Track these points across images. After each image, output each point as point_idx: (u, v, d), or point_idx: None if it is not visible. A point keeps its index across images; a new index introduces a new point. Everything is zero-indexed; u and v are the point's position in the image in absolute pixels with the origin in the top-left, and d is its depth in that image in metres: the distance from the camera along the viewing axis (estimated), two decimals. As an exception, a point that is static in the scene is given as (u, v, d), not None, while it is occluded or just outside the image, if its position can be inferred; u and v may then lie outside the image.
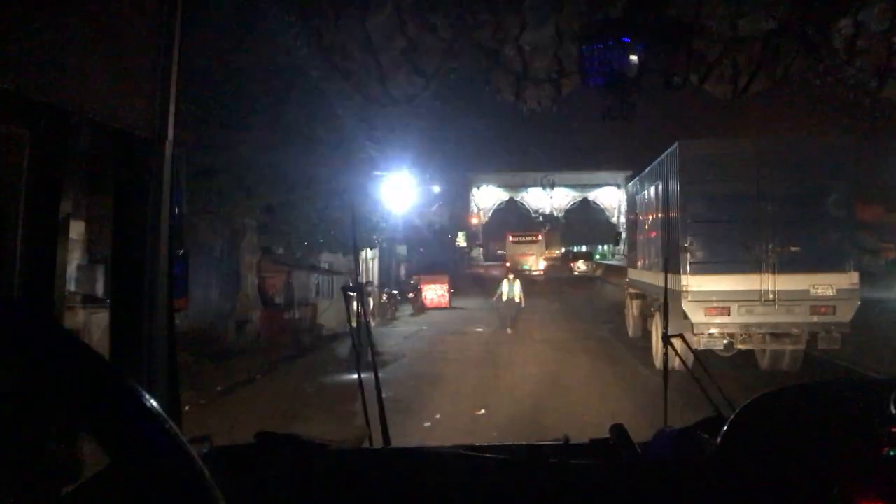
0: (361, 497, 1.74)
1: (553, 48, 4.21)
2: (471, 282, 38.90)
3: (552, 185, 68.22)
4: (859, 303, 11.81)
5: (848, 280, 11.62)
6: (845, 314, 11.60)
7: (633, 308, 16.62)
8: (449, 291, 30.87)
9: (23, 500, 1.03)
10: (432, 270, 34.23)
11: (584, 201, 70.25)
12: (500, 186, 70.27)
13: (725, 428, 1.80)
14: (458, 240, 54.85)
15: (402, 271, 35.37)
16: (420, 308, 28.89)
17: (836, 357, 12.32)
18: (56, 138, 1.45)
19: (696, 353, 2.68)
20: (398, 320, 25.90)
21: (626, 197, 31.59)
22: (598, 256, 68.04)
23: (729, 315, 11.63)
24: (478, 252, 65.10)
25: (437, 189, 37.84)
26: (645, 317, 15.25)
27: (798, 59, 4.42)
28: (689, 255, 11.73)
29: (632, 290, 16.92)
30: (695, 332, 11.39)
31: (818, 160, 11.92)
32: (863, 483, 1.59)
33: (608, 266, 48.26)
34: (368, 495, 1.75)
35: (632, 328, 16.86)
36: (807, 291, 11.49)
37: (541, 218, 69.35)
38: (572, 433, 2.05)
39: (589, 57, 2.77)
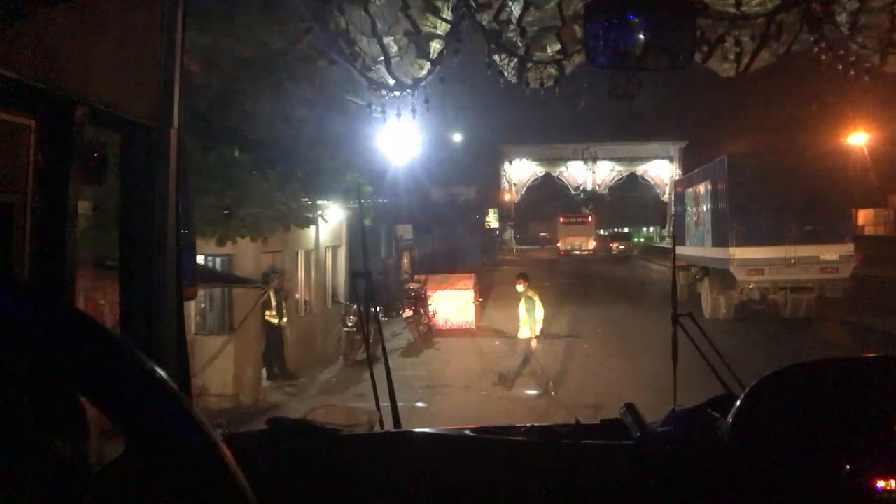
0: (374, 481, 1.75)
1: (555, 29, 4.18)
2: (506, 275, 29.30)
3: (595, 159, 62.15)
4: (854, 264, 17.18)
5: (846, 248, 16.99)
6: (845, 272, 16.88)
7: (679, 278, 19.89)
8: (477, 301, 18.64)
9: (34, 499, 1.03)
10: (450, 264, 25.13)
11: (632, 176, 63.07)
12: (535, 160, 63.42)
13: (737, 406, 1.80)
14: (488, 219, 50.37)
15: (406, 264, 24.38)
16: (424, 335, 16.50)
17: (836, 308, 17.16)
18: (62, 127, 1.44)
19: (704, 332, 2.68)
20: (361, 369, 12.48)
21: (672, 186, 33.97)
22: (640, 238, 63.88)
23: (763, 275, 16.73)
24: (510, 234, 60.17)
25: (457, 138, 29.36)
26: (691, 283, 20.15)
27: (801, 35, 4.38)
28: (735, 234, 16.95)
29: (680, 264, 20.37)
30: (738, 287, 16.92)
31: (823, 166, 17.24)
32: (875, 460, 1.59)
33: (646, 246, 53.18)
34: (381, 479, 1.75)
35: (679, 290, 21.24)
36: (817, 257, 16.63)
37: (582, 195, 63.89)
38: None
39: (594, 35, 2.74)
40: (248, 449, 1.82)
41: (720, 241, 17.64)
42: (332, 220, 15.26)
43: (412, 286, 18.33)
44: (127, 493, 1.50)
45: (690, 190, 22.34)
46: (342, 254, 17.95)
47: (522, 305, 12.59)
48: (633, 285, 28.60)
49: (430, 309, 17.62)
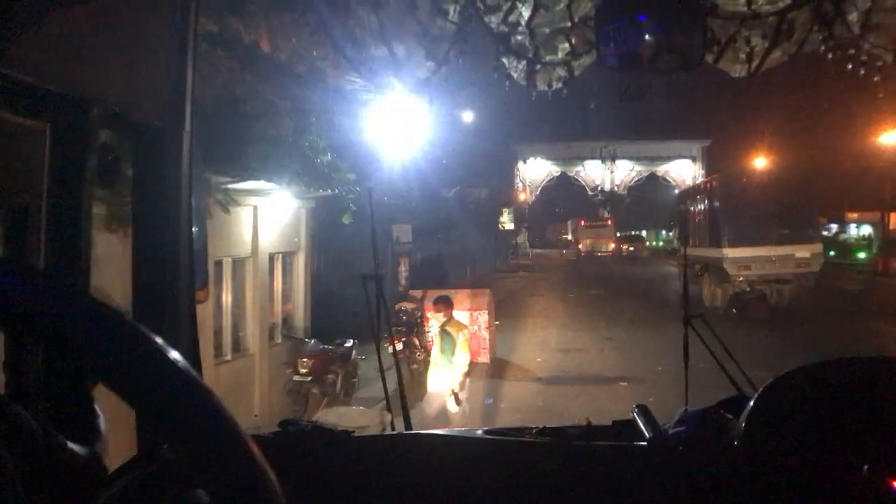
0: (386, 483, 1.75)
1: (565, 31, 4.18)
2: (524, 283, 28.67)
3: (613, 158, 60.07)
4: (823, 259, 21.76)
5: (816, 248, 21.25)
6: (815, 266, 20.97)
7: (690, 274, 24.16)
8: (490, 327, 14.22)
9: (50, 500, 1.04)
10: (458, 271, 23.17)
11: (652, 177, 61.11)
12: (550, 160, 61.09)
13: (750, 407, 1.79)
14: (502, 219, 47.32)
15: (404, 273, 20.90)
16: (419, 375, 11.65)
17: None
18: (76, 130, 1.45)
19: (716, 334, 2.68)
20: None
21: (681, 192, 36.07)
22: (660, 242, 63.17)
23: (751, 269, 20.26)
24: (523, 237, 56.77)
25: (469, 117, 25.28)
26: (693, 278, 23.08)
27: (812, 34, 4.36)
28: (727, 237, 20.78)
29: (683, 263, 24.50)
30: (731, 280, 20.51)
31: (794, 182, 22.19)
32: (892, 461, 1.58)
33: (655, 249, 56.75)
34: (392, 481, 1.76)
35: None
36: (793, 255, 20.47)
37: (599, 196, 61.92)
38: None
39: (604, 37, 2.74)
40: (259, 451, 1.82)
41: (716, 242, 21.53)
42: (283, 213, 11.56)
43: (405, 307, 13.19)
44: (141, 493, 1.51)
45: (691, 200, 27.11)
46: (300, 263, 12.77)
47: (437, 342, 9.03)
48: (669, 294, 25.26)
49: (429, 337, 11.23)
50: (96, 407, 1.50)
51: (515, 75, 4.32)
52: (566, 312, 20.75)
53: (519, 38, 4.28)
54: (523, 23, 4.14)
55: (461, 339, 8.93)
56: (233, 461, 0.62)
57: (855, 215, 52.08)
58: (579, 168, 61.91)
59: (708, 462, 1.76)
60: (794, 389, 1.83)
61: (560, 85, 4.30)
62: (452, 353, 8.78)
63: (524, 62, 4.24)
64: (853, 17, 4.19)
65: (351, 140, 10.99)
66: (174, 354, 0.62)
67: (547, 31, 4.09)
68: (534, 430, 1.97)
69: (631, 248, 57.73)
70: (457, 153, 23.47)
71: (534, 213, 62.73)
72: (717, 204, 22.38)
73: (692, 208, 26.15)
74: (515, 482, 1.75)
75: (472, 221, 31.79)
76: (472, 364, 10.51)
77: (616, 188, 61.73)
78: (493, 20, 4.19)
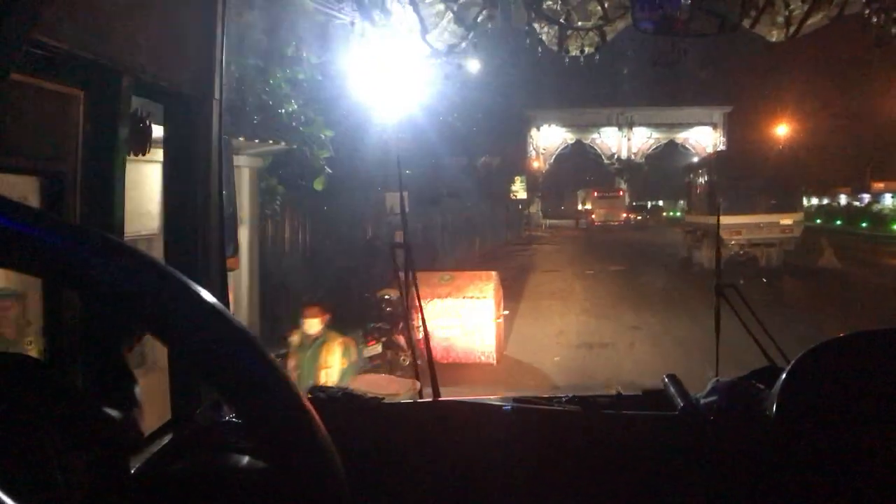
0: (415, 450, 1.76)
1: (597, -6, 4.09)
2: (540, 257, 26.56)
3: (630, 125, 58.42)
4: (804, 225, 24.67)
5: (798, 216, 24.42)
6: (797, 231, 23.97)
7: (688, 239, 27.64)
8: (500, 316, 11.42)
9: (91, 470, 1.06)
10: (465, 245, 21.86)
11: (671, 144, 59.27)
12: (564, 126, 59.31)
13: (782, 378, 1.77)
14: (514, 188, 45.24)
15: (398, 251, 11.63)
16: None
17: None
18: (109, 97, 1.46)
19: (748, 304, 2.64)
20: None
21: (685, 166, 36.67)
22: (677, 212, 61.19)
23: (741, 235, 23.00)
24: (537, 207, 55.10)
25: (476, 66, 19.23)
26: (692, 242, 26.54)
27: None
28: (721, 206, 23.17)
29: (686, 230, 28.75)
30: (724, 244, 22.00)
31: (781, 159, 25.27)
32: None
33: (671, 219, 58.03)
34: (422, 448, 1.77)
35: (684, 249, 28.03)
36: (777, 222, 23.57)
37: (616, 164, 60.35)
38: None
39: (639, 0, 2.68)
40: None
41: (713, 211, 24.72)
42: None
43: (390, 294, 9.74)
44: (176, 456, 1.54)
45: (694, 174, 30.22)
46: (242, 240, 9.19)
47: (316, 354, 6.51)
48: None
49: (419, 332, 6.40)
50: (132, 371, 1.53)
51: (547, 41, 4.25)
52: (585, 294, 18.14)
53: (550, 2, 4.20)
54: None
55: (342, 350, 6.56)
56: (295, 430, 0.63)
57: (881, 185, 51.52)
58: (595, 135, 60.28)
59: (739, 433, 1.75)
60: (828, 361, 1.81)
61: (592, 50, 4.23)
62: (337, 362, 6.50)
63: (556, 27, 4.17)
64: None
65: (329, 88, 9.15)
66: (237, 321, 0.63)
67: (579, -5, 4.01)
68: (563, 399, 1.97)
69: (639, 217, 58.67)
70: (464, 117, 22.25)
71: (548, 181, 61.30)
72: (714, 177, 25.88)
73: (695, 181, 29.56)
74: (544, 450, 1.76)
75: (482, 190, 29.93)
76: (473, 367, 10.09)
77: (633, 156, 60.16)
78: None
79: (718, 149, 46.00)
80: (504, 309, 11.62)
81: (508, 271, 18.48)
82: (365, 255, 13.89)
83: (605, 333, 9.61)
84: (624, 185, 60.56)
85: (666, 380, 1.97)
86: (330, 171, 9.37)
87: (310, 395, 2.00)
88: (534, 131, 57.95)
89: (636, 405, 1.95)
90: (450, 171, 24.22)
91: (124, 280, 0.60)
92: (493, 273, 11.59)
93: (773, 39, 3.90)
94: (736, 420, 1.78)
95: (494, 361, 10.90)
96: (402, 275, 2.48)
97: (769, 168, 24.51)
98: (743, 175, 24.26)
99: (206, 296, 0.62)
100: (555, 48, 4.25)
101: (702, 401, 1.92)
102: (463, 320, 10.60)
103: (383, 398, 2.01)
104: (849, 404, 1.66)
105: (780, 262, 23.83)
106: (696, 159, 43.62)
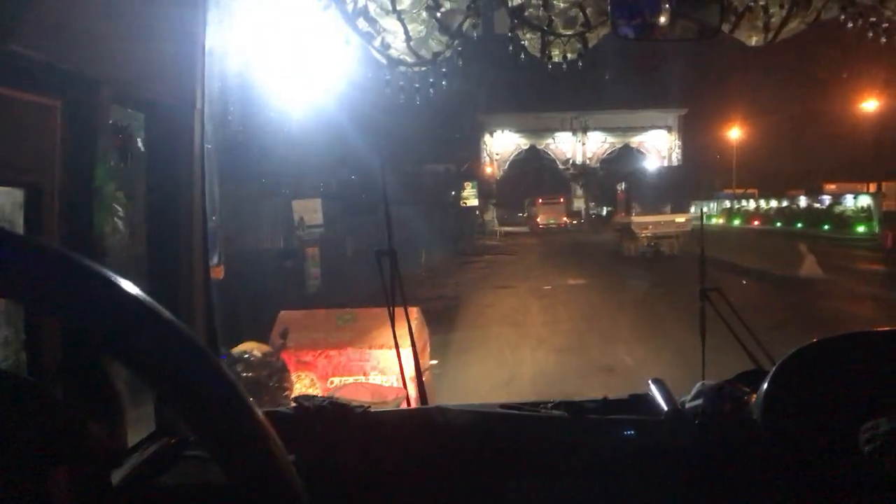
0: (403, 458, 1.75)
1: (579, 1, 4.11)
2: (488, 272, 23.19)
3: (585, 130, 58.31)
4: (694, 221, 31.00)
5: (689, 216, 32.01)
6: (688, 227, 30.50)
7: (616, 236, 35.28)
8: (425, 371, 3.47)
9: (74, 484, 1.04)
10: (403, 257, 7.52)
11: (626, 148, 59.42)
12: (519, 132, 59.72)
13: (767, 380, 1.78)
14: (464, 195, 43.37)
15: (314, 272, 14.59)
16: None
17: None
18: (88, 108, 1.45)
19: (733, 307, 2.65)
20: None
21: (615, 179, 42.15)
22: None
23: (649, 230, 31.03)
24: (492, 214, 53.22)
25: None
26: (618, 238, 34.39)
27: (830, 2, 4.27)
28: (633, 209, 32.40)
29: (615, 228, 36.42)
30: (637, 238, 31.29)
31: (677, 172, 43.29)
32: None
33: (591, 218, 62.83)
34: (409, 456, 1.76)
35: (614, 244, 35.17)
36: (673, 220, 31.14)
37: (571, 169, 60.52)
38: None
39: (619, 6, 2.69)
40: (274, 428, 1.83)
41: (628, 212, 32.82)
42: None
43: (252, 352, 5.00)
44: (159, 467, 1.52)
45: (619, 185, 37.83)
46: None
47: None
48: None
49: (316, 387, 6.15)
50: (116, 384, 1.51)
51: (529, 48, 4.26)
52: (543, 318, 14.07)
53: (532, 9, 4.21)
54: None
55: None
56: (248, 443, 0.62)
57: (833, 186, 51.79)
58: (549, 141, 60.32)
59: (725, 435, 1.76)
60: (813, 363, 1.82)
61: (575, 56, 4.24)
62: None
63: (538, 34, 4.18)
64: (874, -17, 4.09)
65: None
66: (188, 333, 0.62)
67: (562, 3, 4.02)
68: (549, 405, 1.97)
69: (574, 222, 61.43)
70: (409, 122, 19.35)
71: (504, 188, 60.76)
72: (629, 188, 34.87)
73: (620, 190, 37.94)
74: (532, 455, 1.76)
75: (429, 197, 28.33)
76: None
77: (588, 161, 60.18)
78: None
79: (673, 151, 58.14)
80: (433, 358, 7.97)
81: (454, 288, 17.26)
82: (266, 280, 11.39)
83: (570, 378, 7.68)
84: (580, 191, 61.38)
85: (652, 384, 1.98)
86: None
87: (295, 404, 1.98)
88: (487, 137, 57.49)
89: (622, 410, 1.95)
90: (393, 177, 18.60)
91: (71, 295, 0.58)
92: (415, 309, 6.55)
93: (753, 45, 3.95)
94: (721, 423, 1.79)
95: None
96: (386, 283, 2.47)
97: (667, 178, 36.05)
98: (651, 186, 34.12)
99: (153, 304, 0.61)
100: (538, 55, 4.25)
101: (687, 404, 1.93)
102: (369, 379, 6.61)
103: (369, 406, 2.00)
104: (834, 406, 1.67)
105: (679, 251, 29.86)
106: (672, 151, 57.61)
